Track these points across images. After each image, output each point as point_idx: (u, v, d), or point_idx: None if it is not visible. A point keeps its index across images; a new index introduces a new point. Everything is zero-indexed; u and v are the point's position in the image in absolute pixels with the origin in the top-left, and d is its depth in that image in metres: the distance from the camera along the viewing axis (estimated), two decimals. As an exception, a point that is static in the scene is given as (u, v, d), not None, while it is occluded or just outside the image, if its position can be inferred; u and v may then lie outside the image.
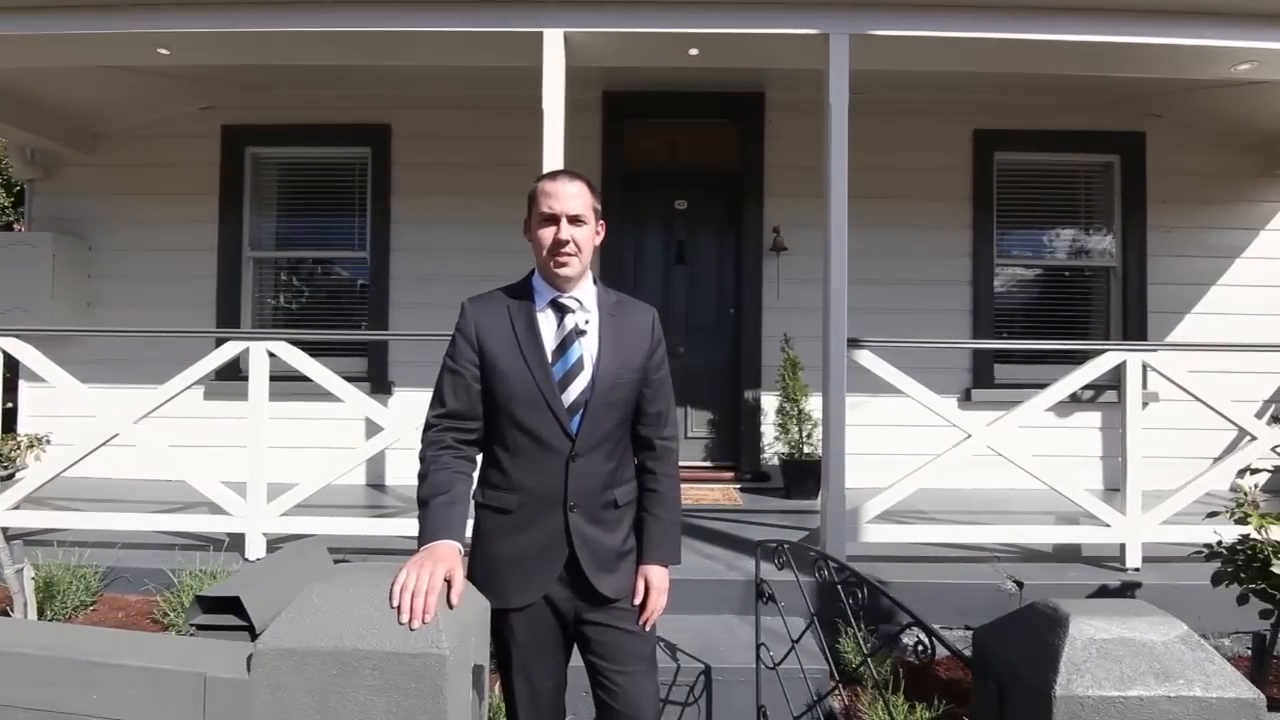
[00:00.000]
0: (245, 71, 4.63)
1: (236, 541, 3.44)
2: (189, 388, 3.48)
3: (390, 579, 1.36)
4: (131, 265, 5.18)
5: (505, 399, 1.61)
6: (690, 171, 5.32)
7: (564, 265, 1.62)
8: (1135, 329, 5.13)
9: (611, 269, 5.17)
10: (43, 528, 3.53)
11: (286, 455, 4.21)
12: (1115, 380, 3.58)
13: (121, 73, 4.34)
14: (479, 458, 1.70)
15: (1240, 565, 2.22)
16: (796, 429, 4.83)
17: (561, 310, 1.66)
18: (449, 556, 1.43)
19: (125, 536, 3.46)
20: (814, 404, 4.40)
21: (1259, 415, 4.77)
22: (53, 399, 4.39)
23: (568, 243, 1.61)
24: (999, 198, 5.24)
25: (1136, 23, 3.33)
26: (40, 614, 2.99)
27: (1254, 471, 2.41)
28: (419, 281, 5.13)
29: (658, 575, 1.69)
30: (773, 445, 5.09)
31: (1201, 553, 2.39)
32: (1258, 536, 2.21)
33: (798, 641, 2.33)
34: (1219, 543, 2.35)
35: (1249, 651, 2.70)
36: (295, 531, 3.47)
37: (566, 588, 1.63)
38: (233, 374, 4.49)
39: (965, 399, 5.14)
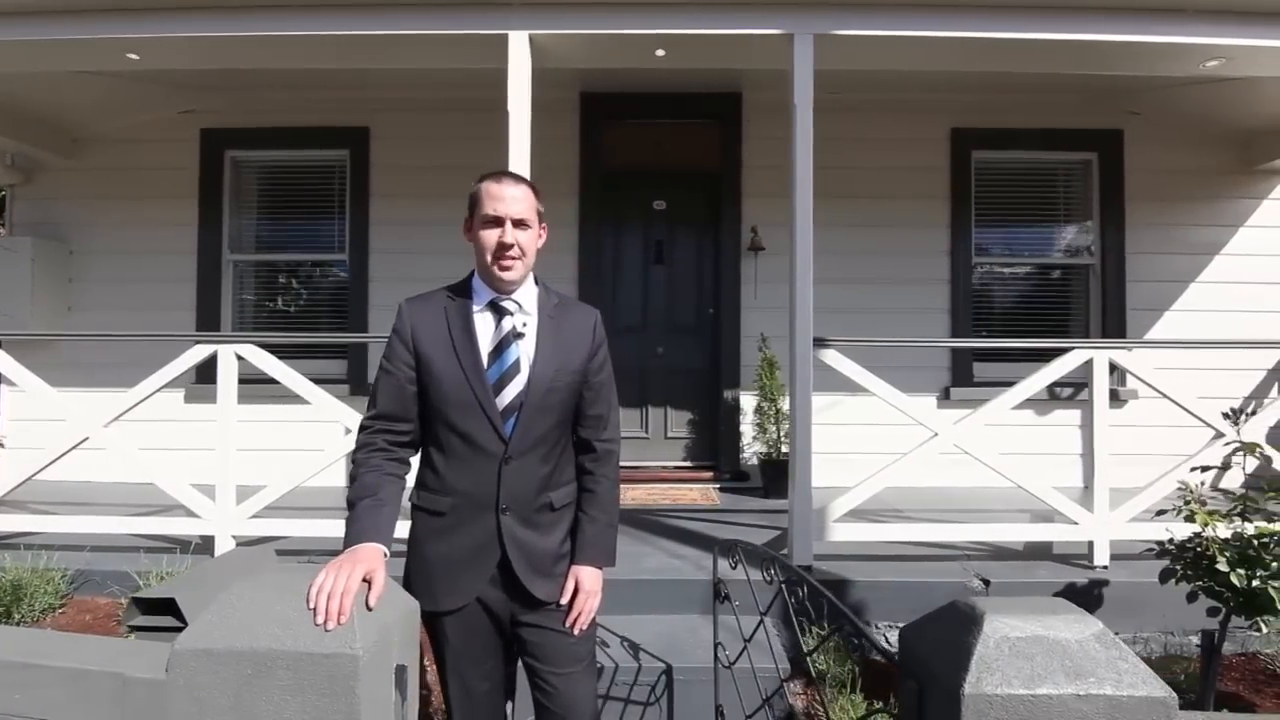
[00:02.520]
0: (223, 75, 4.64)
1: (208, 544, 3.45)
2: (158, 391, 3.49)
3: (305, 582, 1.37)
4: (112, 269, 5.20)
5: (439, 401, 1.61)
6: (669, 172, 5.33)
7: (508, 269, 1.62)
8: (1114, 326, 5.13)
9: (591, 269, 5.19)
10: (14, 531, 3.54)
11: (267, 458, 4.21)
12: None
13: (100, 77, 4.36)
14: (414, 459, 1.71)
15: (1188, 563, 2.22)
16: (774, 428, 4.83)
17: (500, 312, 1.65)
18: (370, 558, 1.44)
19: (98, 540, 3.47)
20: (790, 403, 4.41)
21: (1240, 411, 4.75)
22: (30, 403, 4.40)
23: (512, 246, 1.60)
24: (977, 196, 5.24)
25: (1103, 20, 3.33)
26: (8, 617, 3.00)
27: (1205, 469, 2.41)
28: (398, 283, 5.12)
29: (588, 577, 1.69)
30: (752, 445, 5.09)
31: (1153, 550, 2.39)
32: (1208, 534, 2.21)
33: (749, 640, 2.34)
34: (1170, 540, 2.35)
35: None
36: (266, 534, 3.48)
37: (500, 590, 1.63)
38: (213, 377, 4.49)
39: (945, 397, 5.14)
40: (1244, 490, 2.26)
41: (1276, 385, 5.06)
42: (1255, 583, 2.06)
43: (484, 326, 1.65)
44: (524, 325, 1.66)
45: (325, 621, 1.31)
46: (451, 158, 5.11)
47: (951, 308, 5.18)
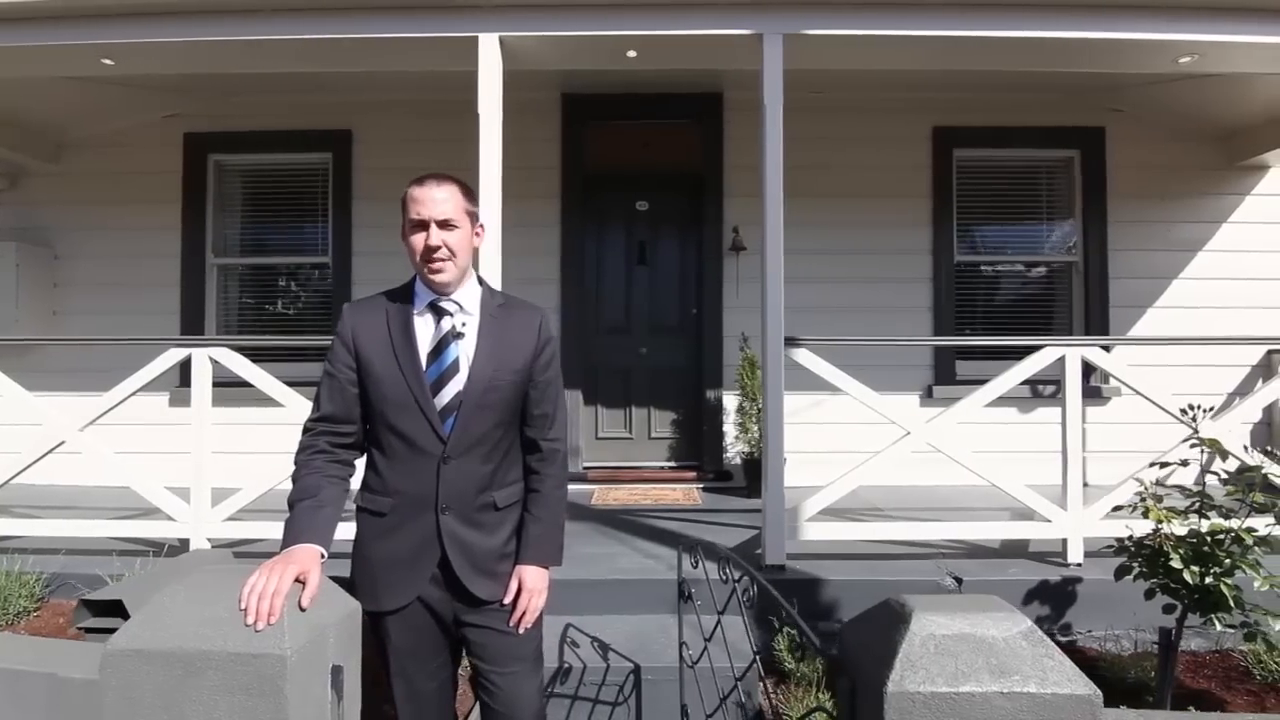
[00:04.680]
0: (205, 80, 4.66)
1: (185, 547, 3.45)
2: (134, 394, 3.50)
3: (238, 583, 1.38)
4: (97, 273, 5.22)
5: (378, 402, 1.63)
6: (651, 172, 5.34)
7: (438, 271, 1.63)
8: (1097, 324, 5.12)
9: (574, 270, 5.20)
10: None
11: (250, 460, 4.22)
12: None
13: (82, 83, 4.37)
14: (360, 461, 1.72)
15: (1145, 559, 2.22)
16: (756, 428, 4.82)
17: (439, 313, 1.67)
18: (304, 560, 1.45)
19: (78, 543, 3.47)
20: (771, 403, 4.40)
21: (1222, 407, 4.74)
22: (8, 407, 4.41)
23: (439, 248, 1.61)
24: (959, 194, 5.24)
25: (1072, 17, 3.33)
26: (-18, 619, 3.02)
27: (1163, 464, 2.41)
28: (382, 286, 5.00)
29: (532, 576, 1.69)
30: (735, 444, 5.10)
31: (1111, 547, 2.39)
32: (1165, 531, 2.20)
33: (709, 639, 2.34)
34: (1129, 537, 2.35)
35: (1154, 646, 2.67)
36: (242, 536, 3.50)
37: (443, 589, 1.64)
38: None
39: (928, 396, 5.14)
40: (1201, 486, 2.25)
41: (1261, 381, 5.04)
42: (1209, 579, 2.06)
43: (424, 328, 1.67)
44: (463, 325, 1.67)
45: (255, 622, 1.32)
46: (434, 160, 4.98)
47: (934, 306, 5.18)
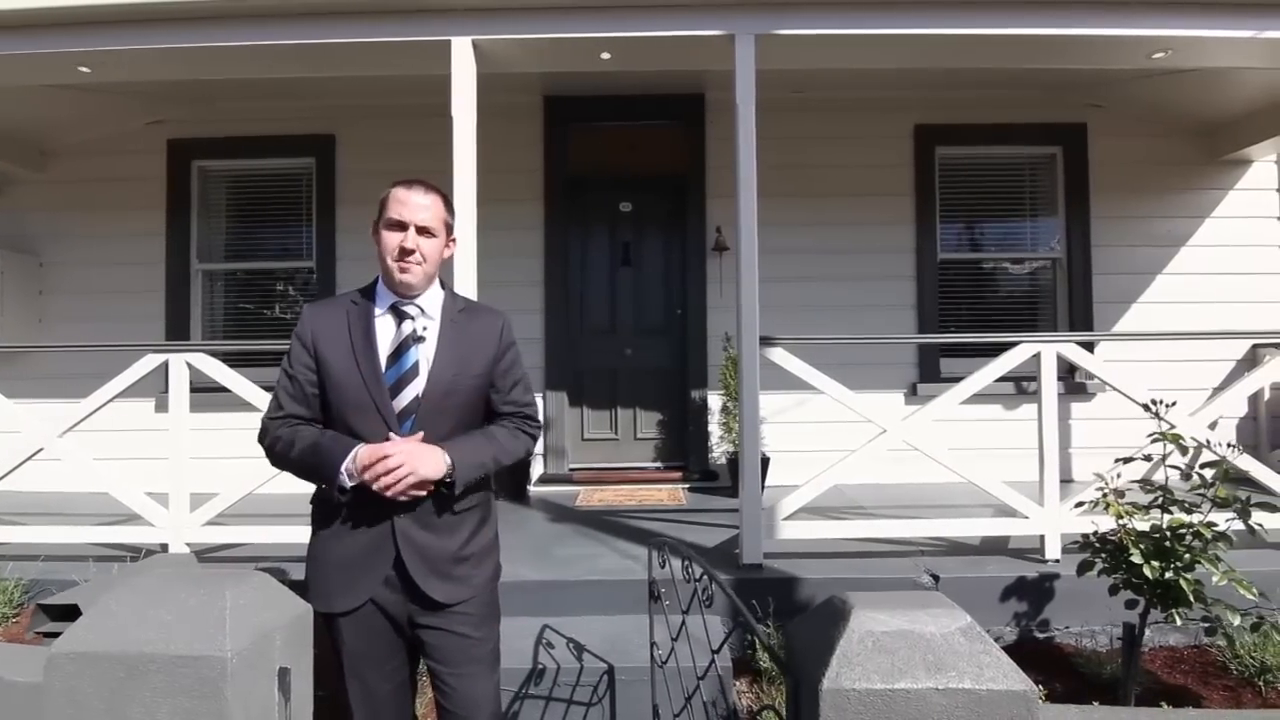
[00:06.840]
0: (187, 86, 4.67)
1: (164, 553, 3.46)
2: (112, 400, 3.50)
3: (183, 586, 1.39)
4: (83, 280, 5.24)
5: (337, 402, 1.64)
6: (634, 174, 5.34)
7: (407, 271, 1.65)
8: (1081, 319, 5.12)
9: (558, 272, 5.21)
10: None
11: (237, 465, 4.24)
12: (1061, 372, 3.55)
13: (65, 91, 4.38)
14: None
15: (1108, 555, 2.22)
16: (740, 427, 4.83)
17: (400, 315, 1.68)
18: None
19: (55, 549, 3.47)
20: (754, 402, 4.39)
21: (1206, 402, 4.72)
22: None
23: (413, 251, 1.64)
24: (942, 192, 5.24)
25: (1046, 14, 3.33)
26: (-40, 626, 3.03)
27: (1128, 460, 2.41)
28: None
29: (419, 445, 1.59)
30: (720, 444, 5.10)
31: (1077, 543, 2.39)
32: (1127, 526, 2.21)
33: (676, 639, 2.34)
34: (1094, 533, 2.35)
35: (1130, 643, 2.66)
36: (221, 541, 3.51)
37: (398, 592, 1.64)
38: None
39: (912, 393, 5.14)
40: (1165, 481, 2.26)
41: (1245, 375, 5.02)
42: (1169, 574, 2.06)
43: (384, 330, 1.68)
44: (424, 329, 1.69)
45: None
46: (418, 163, 5.04)
47: (918, 304, 5.18)
